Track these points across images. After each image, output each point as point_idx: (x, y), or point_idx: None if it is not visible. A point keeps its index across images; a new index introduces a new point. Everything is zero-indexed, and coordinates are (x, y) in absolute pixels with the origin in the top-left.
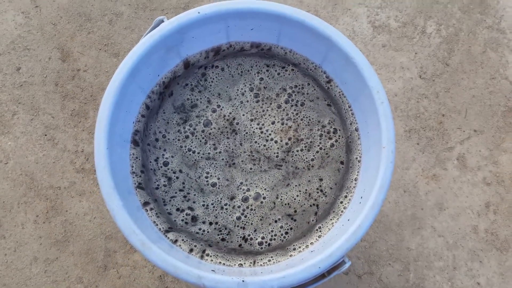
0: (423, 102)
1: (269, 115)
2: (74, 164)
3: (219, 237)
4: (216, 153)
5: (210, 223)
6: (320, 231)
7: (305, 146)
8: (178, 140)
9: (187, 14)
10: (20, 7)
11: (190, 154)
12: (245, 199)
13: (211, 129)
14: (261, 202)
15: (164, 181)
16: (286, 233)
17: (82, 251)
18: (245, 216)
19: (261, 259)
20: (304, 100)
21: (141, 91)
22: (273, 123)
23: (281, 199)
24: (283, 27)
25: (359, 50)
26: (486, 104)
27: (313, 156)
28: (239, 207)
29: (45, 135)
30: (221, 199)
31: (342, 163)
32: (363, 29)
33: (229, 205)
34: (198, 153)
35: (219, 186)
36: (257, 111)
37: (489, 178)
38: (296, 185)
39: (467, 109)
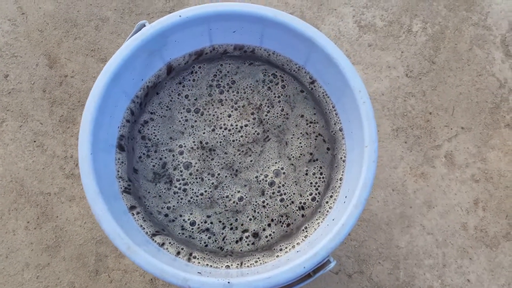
0: (410, 101)
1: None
2: (64, 170)
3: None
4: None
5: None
6: (306, 231)
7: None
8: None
9: (168, 17)
10: (7, 14)
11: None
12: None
13: (194, 166)
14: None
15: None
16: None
17: (73, 256)
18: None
19: (248, 260)
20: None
21: (125, 96)
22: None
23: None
24: (265, 29)
25: (341, 51)
26: (473, 101)
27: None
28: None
29: (34, 141)
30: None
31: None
32: (349, 29)
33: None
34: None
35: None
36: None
37: (477, 175)
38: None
39: (454, 107)
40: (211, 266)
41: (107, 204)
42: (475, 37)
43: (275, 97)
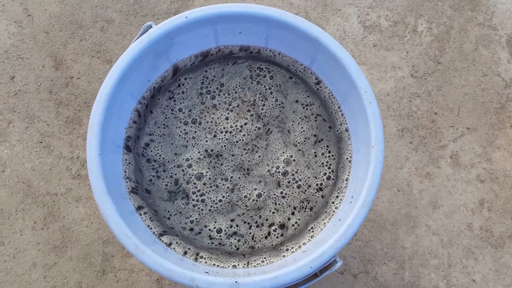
0: (415, 101)
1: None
2: (70, 171)
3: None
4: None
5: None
6: (313, 231)
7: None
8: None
9: (174, 19)
10: (13, 16)
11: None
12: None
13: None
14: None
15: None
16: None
17: (80, 256)
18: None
19: (255, 260)
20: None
21: (132, 97)
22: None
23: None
24: (270, 30)
25: (347, 51)
26: (478, 102)
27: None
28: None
29: (41, 142)
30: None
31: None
32: (354, 29)
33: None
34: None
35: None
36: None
37: (483, 175)
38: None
39: (460, 107)
40: (218, 265)
41: (115, 205)
42: (480, 37)
43: (266, 89)
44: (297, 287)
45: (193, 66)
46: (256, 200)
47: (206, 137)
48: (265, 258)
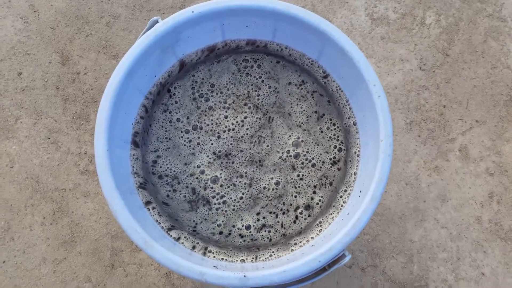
0: (424, 94)
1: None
2: (78, 166)
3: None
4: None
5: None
6: (321, 225)
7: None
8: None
9: (181, 13)
10: (19, 12)
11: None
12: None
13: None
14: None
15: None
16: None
17: (89, 251)
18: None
19: (263, 254)
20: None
21: (139, 92)
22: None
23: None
24: (278, 23)
25: (355, 44)
26: (487, 94)
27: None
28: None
29: (49, 138)
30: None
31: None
32: (361, 22)
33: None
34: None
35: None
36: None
37: (492, 168)
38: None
39: (469, 100)
40: (226, 260)
41: (124, 200)
42: (489, 29)
43: (257, 79)
44: (306, 281)
45: (198, 61)
46: (276, 189)
47: (211, 140)
48: (273, 252)
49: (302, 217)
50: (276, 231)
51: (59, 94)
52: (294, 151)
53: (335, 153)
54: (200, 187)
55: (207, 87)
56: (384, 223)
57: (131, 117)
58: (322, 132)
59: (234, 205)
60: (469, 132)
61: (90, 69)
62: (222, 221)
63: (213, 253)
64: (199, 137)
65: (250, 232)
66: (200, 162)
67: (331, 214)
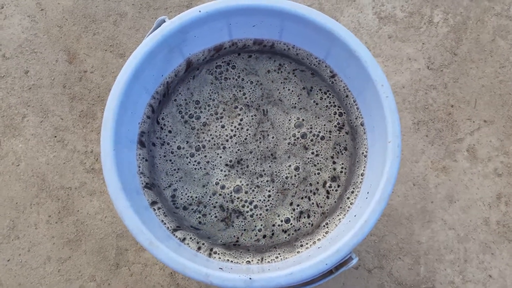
0: (432, 93)
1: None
2: (84, 165)
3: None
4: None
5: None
6: (327, 227)
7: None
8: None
9: (188, 13)
10: (26, 11)
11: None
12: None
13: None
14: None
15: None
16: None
17: (94, 249)
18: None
19: (269, 256)
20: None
21: (145, 92)
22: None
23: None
24: (285, 23)
25: (362, 44)
26: (496, 94)
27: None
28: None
29: (55, 136)
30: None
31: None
32: (369, 21)
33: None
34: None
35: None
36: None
37: (500, 169)
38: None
39: (477, 99)
40: (232, 261)
41: (129, 200)
42: (498, 28)
43: (236, 80)
44: (312, 284)
45: (204, 61)
46: (297, 174)
47: (218, 154)
48: (279, 254)
49: (332, 190)
50: (314, 213)
51: (66, 92)
52: (299, 132)
53: (337, 118)
54: (227, 201)
55: (193, 106)
56: (391, 224)
57: (138, 117)
58: (317, 104)
59: (265, 206)
60: (477, 132)
61: (97, 67)
62: (261, 225)
63: (218, 254)
64: (205, 156)
65: (291, 224)
66: (217, 179)
67: (338, 215)
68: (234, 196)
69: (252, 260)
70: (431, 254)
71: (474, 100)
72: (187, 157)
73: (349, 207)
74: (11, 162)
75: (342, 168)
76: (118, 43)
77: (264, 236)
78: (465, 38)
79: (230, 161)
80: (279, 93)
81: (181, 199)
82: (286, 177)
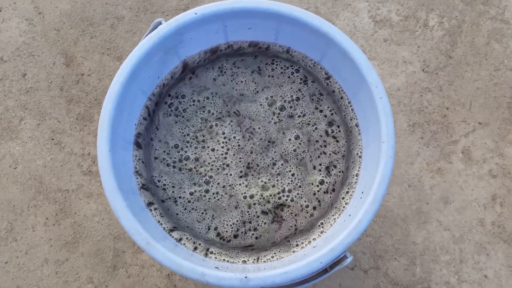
0: (427, 96)
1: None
2: (81, 167)
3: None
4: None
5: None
6: (322, 227)
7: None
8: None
9: (184, 15)
10: (24, 14)
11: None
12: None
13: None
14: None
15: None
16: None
17: (91, 252)
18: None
19: (265, 256)
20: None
21: (142, 94)
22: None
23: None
24: (280, 25)
25: (357, 46)
26: (490, 96)
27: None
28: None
29: (52, 139)
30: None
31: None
32: (364, 24)
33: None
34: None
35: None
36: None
37: (495, 170)
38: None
39: (472, 102)
40: (228, 261)
41: (126, 200)
42: (492, 31)
43: (191, 106)
44: (307, 282)
45: (202, 63)
46: (300, 141)
47: (227, 174)
48: (275, 253)
49: (335, 132)
50: (337, 160)
51: (63, 95)
52: (276, 108)
53: (300, 79)
54: (267, 204)
55: (174, 151)
56: (387, 225)
57: (134, 118)
58: (272, 71)
59: (297, 184)
60: (472, 134)
61: (94, 70)
62: (306, 201)
63: (214, 254)
64: (218, 183)
65: (326, 182)
66: (242, 194)
67: (333, 215)
68: (269, 197)
69: (248, 260)
70: (426, 254)
71: (469, 102)
72: (191, 186)
73: (344, 207)
74: (8, 165)
75: (329, 110)
76: (115, 46)
77: (315, 208)
78: (460, 41)
79: (241, 171)
80: (236, 90)
81: (226, 231)
82: (295, 150)
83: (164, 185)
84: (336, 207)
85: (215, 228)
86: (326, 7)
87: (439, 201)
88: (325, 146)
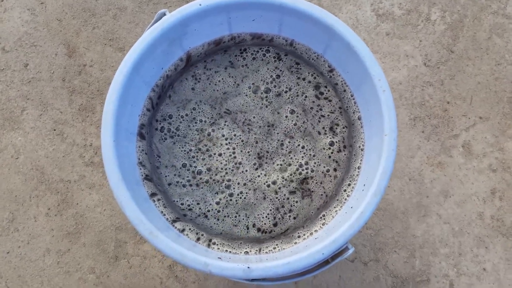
0: (428, 90)
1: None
2: (83, 158)
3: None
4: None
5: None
6: (324, 218)
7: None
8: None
9: (188, 6)
10: (26, 4)
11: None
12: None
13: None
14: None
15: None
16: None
17: (93, 242)
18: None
19: (267, 247)
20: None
21: (145, 85)
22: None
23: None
24: (284, 17)
25: (361, 39)
26: (491, 91)
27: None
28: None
29: (54, 130)
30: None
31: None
32: (367, 18)
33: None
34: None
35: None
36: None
37: (495, 164)
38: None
39: (472, 96)
40: (230, 252)
41: (130, 191)
42: (494, 26)
43: (182, 123)
44: (309, 273)
45: (201, 56)
46: (297, 114)
47: (243, 172)
48: (277, 245)
49: (326, 93)
50: (336, 119)
51: (65, 86)
52: (261, 92)
53: (273, 58)
54: (292, 184)
55: (188, 175)
56: (387, 218)
57: (138, 109)
58: (244, 59)
59: (309, 156)
60: (473, 128)
61: (96, 61)
62: (325, 167)
63: (217, 245)
64: (238, 183)
65: (336, 144)
66: (265, 183)
67: (334, 207)
68: (290, 176)
69: (250, 251)
70: (426, 247)
71: (470, 97)
72: (234, 197)
73: (345, 199)
74: (10, 155)
75: (311, 75)
76: (117, 37)
77: (335, 169)
78: (462, 36)
79: (255, 164)
80: (217, 91)
81: (264, 223)
82: (295, 124)
83: (189, 205)
84: (338, 199)
85: (253, 225)
86: (329, 0)
87: (439, 194)
88: (320, 109)
